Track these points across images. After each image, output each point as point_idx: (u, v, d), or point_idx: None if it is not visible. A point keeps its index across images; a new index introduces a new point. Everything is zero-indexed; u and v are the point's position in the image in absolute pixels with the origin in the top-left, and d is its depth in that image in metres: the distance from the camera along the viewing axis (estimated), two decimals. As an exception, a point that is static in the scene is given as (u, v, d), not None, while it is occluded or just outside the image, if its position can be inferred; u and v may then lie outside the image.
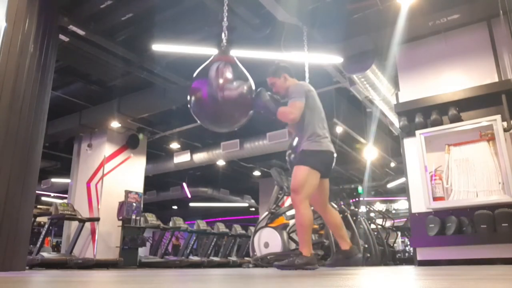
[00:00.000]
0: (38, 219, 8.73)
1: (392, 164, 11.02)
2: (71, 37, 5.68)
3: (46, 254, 6.93)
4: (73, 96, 8.12)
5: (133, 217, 8.43)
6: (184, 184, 13.51)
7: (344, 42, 5.35)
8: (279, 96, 3.39)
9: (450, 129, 4.83)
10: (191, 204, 16.72)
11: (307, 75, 4.61)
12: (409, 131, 5.17)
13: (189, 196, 13.77)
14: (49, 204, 11.39)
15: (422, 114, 5.06)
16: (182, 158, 10.61)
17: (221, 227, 10.47)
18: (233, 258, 10.68)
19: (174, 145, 10.59)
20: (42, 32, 4.24)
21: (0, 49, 3.78)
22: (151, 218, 8.88)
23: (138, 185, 9.15)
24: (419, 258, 4.79)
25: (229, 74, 3.08)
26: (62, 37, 5.52)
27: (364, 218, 7.69)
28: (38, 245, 7.06)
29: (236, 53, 3.36)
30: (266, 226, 6.11)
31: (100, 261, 7.46)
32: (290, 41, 5.25)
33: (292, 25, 5.01)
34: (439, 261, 4.64)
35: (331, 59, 5.68)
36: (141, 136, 9.33)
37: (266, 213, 6.35)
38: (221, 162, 11.03)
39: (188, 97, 3.11)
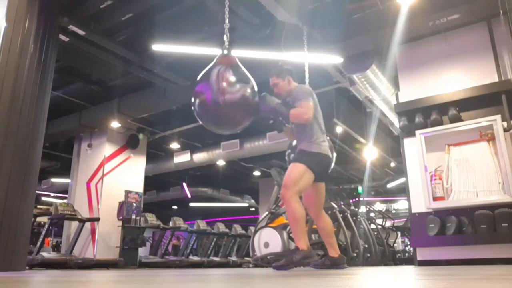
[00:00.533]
0: (38, 219, 8.73)
1: (392, 164, 11.02)
2: (71, 37, 5.68)
3: (46, 254, 6.93)
4: (73, 96, 8.12)
5: (133, 217, 8.43)
6: (184, 184, 13.50)
7: (344, 42, 5.35)
8: (281, 97, 3.38)
9: (450, 129, 4.83)
10: (191, 204, 16.72)
11: (307, 75, 4.61)
12: (409, 131, 5.17)
13: (189, 196, 13.77)
14: (49, 204, 11.38)
15: (422, 114, 5.06)
16: (182, 158, 10.61)
17: (221, 227, 10.47)
18: (233, 258, 10.68)
19: (174, 145, 10.59)
20: (42, 32, 4.24)
21: (0, 49, 3.79)
22: (151, 218, 8.88)
23: (138, 185, 9.16)
24: (419, 258, 4.79)
25: (231, 77, 3.09)
26: (62, 37, 5.51)
27: (364, 218, 7.69)
28: (38, 245, 7.06)
29: (236, 53, 3.36)
30: (266, 226, 6.11)
31: (100, 261, 7.47)
32: (290, 41, 5.25)
33: (292, 25, 5.01)
34: (439, 261, 4.64)
35: (331, 59, 5.68)
36: (141, 136, 9.33)
37: (266, 213, 6.35)
38: (221, 162, 11.03)
39: (192, 100, 3.13)
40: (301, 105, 3.14)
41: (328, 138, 3.49)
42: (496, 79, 4.71)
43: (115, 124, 8.65)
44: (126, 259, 7.92)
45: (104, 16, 5.60)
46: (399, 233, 11.81)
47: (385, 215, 10.74)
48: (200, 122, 3.20)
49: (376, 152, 9.57)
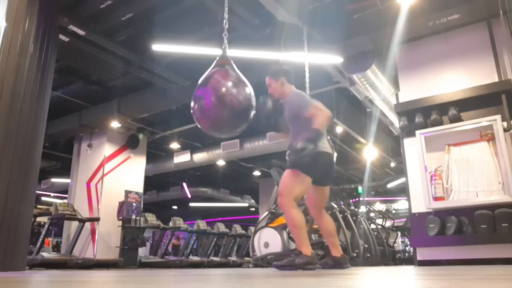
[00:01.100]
0: (38, 219, 8.72)
1: (392, 164, 11.02)
2: (71, 37, 5.68)
3: (46, 254, 6.93)
4: (73, 96, 8.12)
5: (133, 217, 8.43)
6: (184, 184, 13.51)
7: (344, 42, 5.35)
8: (274, 97, 3.39)
9: (450, 129, 4.83)
10: (191, 204, 16.72)
11: (307, 75, 4.61)
12: (409, 131, 5.17)
13: (189, 196, 13.77)
14: (49, 204, 11.38)
15: (422, 114, 5.06)
16: (182, 158, 10.61)
17: (221, 227, 10.47)
18: (233, 258, 10.68)
19: (174, 145, 10.59)
20: (42, 32, 4.24)
21: (0, 49, 3.78)
22: (151, 218, 8.88)
23: (138, 185, 9.15)
24: (419, 258, 4.79)
25: (229, 81, 3.10)
26: (62, 37, 5.51)
27: (364, 218, 7.69)
28: (38, 245, 7.06)
29: (236, 53, 3.38)
30: (266, 226, 6.11)
31: (100, 261, 7.46)
32: (290, 41, 5.25)
33: (292, 25, 5.01)
34: (439, 261, 4.64)
35: (331, 59, 5.68)
36: (141, 136, 9.33)
37: (266, 213, 6.35)
38: (221, 162, 11.03)
39: (191, 104, 3.14)
40: (311, 111, 3.08)
41: (329, 137, 3.48)
42: (496, 79, 4.71)
43: (115, 124, 8.65)
44: (126, 259, 7.92)
45: (104, 16, 5.60)
46: (399, 233, 11.81)
47: (385, 215, 10.74)
48: (198, 126, 3.21)
49: (376, 152, 9.57)
